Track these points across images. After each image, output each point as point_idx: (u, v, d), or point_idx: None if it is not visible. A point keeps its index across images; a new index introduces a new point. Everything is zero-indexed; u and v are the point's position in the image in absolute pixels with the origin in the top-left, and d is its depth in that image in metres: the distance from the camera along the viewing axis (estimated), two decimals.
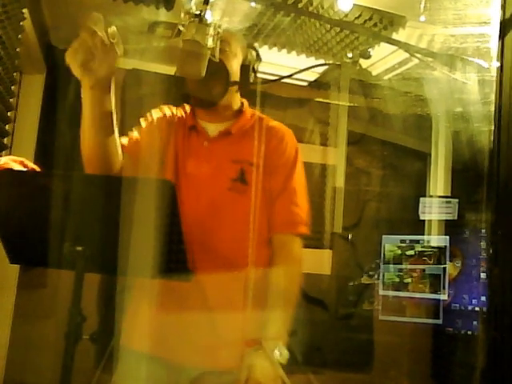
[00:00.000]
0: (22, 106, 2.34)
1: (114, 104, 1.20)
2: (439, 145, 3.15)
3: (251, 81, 1.46)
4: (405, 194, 3.12)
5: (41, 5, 2.15)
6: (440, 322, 2.88)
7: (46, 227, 1.02)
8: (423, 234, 3.00)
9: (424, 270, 2.90)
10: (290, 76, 1.86)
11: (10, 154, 2.06)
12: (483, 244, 2.88)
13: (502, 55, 1.06)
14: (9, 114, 1.97)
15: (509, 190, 1.02)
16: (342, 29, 2.24)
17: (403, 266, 2.95)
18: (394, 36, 2.17)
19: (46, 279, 2.40)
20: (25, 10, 1.84)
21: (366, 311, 3.01)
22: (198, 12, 1.20)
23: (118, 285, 1.51)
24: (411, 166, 3.21)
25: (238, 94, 1.48)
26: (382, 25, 2.13)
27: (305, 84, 2.92)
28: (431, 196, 3.11)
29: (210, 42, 1.21)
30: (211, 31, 1.21)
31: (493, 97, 1.07)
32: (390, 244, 2.98)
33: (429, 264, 2.90)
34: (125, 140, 1.42)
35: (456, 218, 2.96)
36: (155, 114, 1.49)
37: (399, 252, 2.97)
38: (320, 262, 2.91)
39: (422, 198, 3.01)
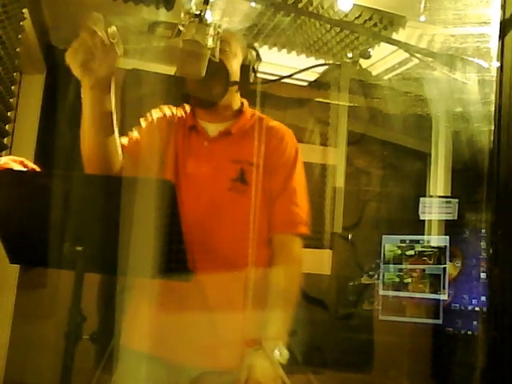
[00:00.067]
0: (22, 106, 2.34)
1: (114, 104, 1.20)
2: (439, 145, 3.15)
3: (251, 81, 1.46)
4: (405, 194, 3.12)
5: (41, 5, 2.15)
6: (440, 322, 2.88)
7: (46, 227, 1.02)
8: (423, 234, 3.00)
9: (424, 270, 2.90)
10: (290, 76, 1.86)
11: (10, 154, 2.06)
12: (483, 244, 2.88)
13: (501, 55, 1.06)
14: (9, 114, 1.97)
15: (509, 190, 1.02)
16: (341, 29, 2.24)
17: (403, 266, 2.95)
18: (394, 36, 2.17)
19: (46, 279, 2.40)
20: (25, 10, 1.84)
21: (366, 311, 3.01)
22: (197, 12, 1.20)
23: (117, 285, 1.51)
24: (411, 166, 3.21)
25: (238, 94, 1.48)
26: (382, 25, 2.13)
27: (305, 84, 2.92)
28: (431, 196, 3.11)
29: (209, 42, 1.21)
30: (211, 31, 1.21)
31: (493, 97, 1.07)
32: (390, 244, 2.98)
33: (429, 264, 2.90)
34: (125, 140, 1.42)
35: (456, 218, 2.96)
36: (155, 114, 1.49)
37: (399, 252, 2.97)
38: (320, 261, 2.91)
39: (422, 198, 3.01)
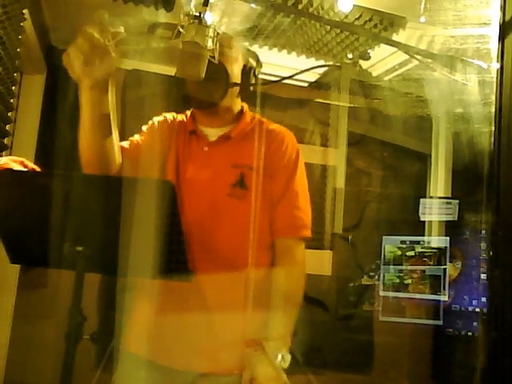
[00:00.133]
0: (22, 107, 2.34)
1: (115, 105, 1.21)
2: (439, 146, 3.15)
3: (252, 87, 1.46)
4: (405, 195, 3.12)
5: (41, 5, 2.15)
6: (440, 322, 2.88)
7: (47, 227, 1.02)
8: (423, 235, 3.00)
9: (424, 271, 2.90)
10: (290, 77, 1.85)
11: (10, 155, 2.07)
12: (483, 245, 2.88)
13: (502, 56, 1.06)
14: (9, 114, 1.97)
15: (509, 191, 1.02)
16: (342, 30, 2.24)
17: (403, 267, 2.94)
18: (394, 37, 2.17)
19: (46, 279, 2.40)
20: (25, 11, 1.84)
21: (366, 312, 3.01)
22: (197, 13, 1.20)
23: (118, 285, 1.51)
24: (411, 167, 3.21)
25: (239, 99, 1.48)
26: (382, 26, 2.13)
27: (305, 85, 2.93)
28: (431, 197, 3.11)
29: (209, 44, 1.21)
30: (211, 33, 1.21)
31: (493, 98, 1.07)
32: (391, 245, 2.98)
33: (429, 265, 2.90)
34: (126, 143, 1.42)
35: (456, 218, 2.95)
36: (156, 119, 1.50)
37: (399, 253, 2.97)
38: (320, 262, 2.91)
39: (422, 199, 3.01)
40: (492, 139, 1.06)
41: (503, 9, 1.08)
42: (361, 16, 2.08)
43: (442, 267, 2.87)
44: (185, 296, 1.32)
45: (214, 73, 1.28)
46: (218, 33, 1.24)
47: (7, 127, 2.01)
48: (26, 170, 1.17)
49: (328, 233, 2.93)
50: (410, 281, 2.92)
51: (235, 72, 1.41)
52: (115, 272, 1.08)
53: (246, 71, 1.44)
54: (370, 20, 2.10)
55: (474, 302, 2.88)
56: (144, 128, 1.49)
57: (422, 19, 1.97)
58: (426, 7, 1.89)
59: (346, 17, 2.08)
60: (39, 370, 2.15)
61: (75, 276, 1.03)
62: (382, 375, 2.86)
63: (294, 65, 2.57)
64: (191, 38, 1.19)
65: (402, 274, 2.94)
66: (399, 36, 2.17)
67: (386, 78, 2.67)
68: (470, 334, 2.85)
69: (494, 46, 1.09)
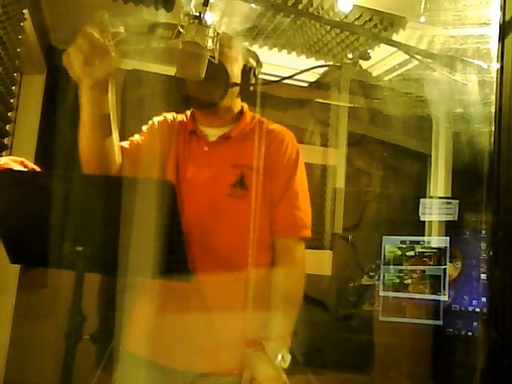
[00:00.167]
0: (22, 107, 2.34)
1: (115, 105, 1.21)
2: (439, 146, 3.15)
3: (252, 87, 1.46)
4: (405, 195, 3.12)
5: (41, 5, 2.15)
6: (440, 322, 2.88)
7: (47, 227, 1.02)
8: (423, 235, 3.00)
9: (424, 271, 2.90)
10: (290, 77, 1.85)
11: (10, 155, 2.07)
12: (483, 245, 2.88)
13: (502, 56, 1.06)
14: (9, 114, 1.97)
15: (509, 191, 1.02)
16: (342, 30, 2.24)
17: (403, 267, 2.94)
18: (394, 37, 2.17)
19: (46, 279, 2.40)
20: (25, 11, 1.84)
21: (366, 312, 3.01)
22: (197, 13, 1.20)
23: (118, 285, 1.51)
24: (411, 167, 3.21)
25: (239, 99, 1.48)
26: (382, 26, 2.13)
27: (305, 85, 2.93)
28: (431, 197, 3.11)
29: (209, 44, 1.21)
30: (211, 33, 1.21)
31: (493, 98, 1.07)
32: (391, 245, 2.98)
33: (429, 265, 2.90)
34: (126, 143, 1.42)
35: (456, 218, 2.95)
36: (156, 119, 1.50)
37: (399, 253, 2.97)
38: (320, 262, 2.91)
39: (422, 199, 3.01)
40: (492, 139, 1.06)
41: (503, 9, 1.08)
42: (361, 16, 2.08)
43: (442, 267, 2.87)
44: (185, 296, 1.32)
45: (213, 73, 1.28)
46: (217, 33, 1.24)
47: (7, 127, 2.01)
48: (26, 170, 1.17)
49: (328, 233, 2.93)
50: (410, 281, 2.92)
51: (235, 72, 1.41)
52: (115, 272, 1.08)
53: (246, 71, 1.44)
54: (370, 20, 2.10)
55: (474, 302, 2.88)
56: (144, 128, 1.49)
57: (422, 19, 1.97)
58: (426, 7, 1.89)
59: (346, 17, 2.08)
60: (39, 369, 2.15)
61: (75, 276, 1.03)
62: (382, 375, 2.86)
63: (294, 65, 2.57)
64: (191, 37, 1.19)
65: (402, 274, 2.94)
66: (399, 36, 2.17)
67: (386, 78, 2.67)
68: (469, 334, 2.85)
69: (493, 45, 1.09)
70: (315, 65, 2.63)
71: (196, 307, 1.33)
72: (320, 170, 3.00)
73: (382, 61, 2.54)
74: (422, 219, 2.99)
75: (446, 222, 2.99)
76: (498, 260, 1.02)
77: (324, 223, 2.92)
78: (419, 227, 3.00)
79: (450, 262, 2.90)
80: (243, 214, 1.36)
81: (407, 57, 2.28)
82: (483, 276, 2.86)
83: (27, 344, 2.26)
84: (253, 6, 2.07)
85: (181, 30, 1.21)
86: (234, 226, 1.37)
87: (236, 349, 1.32)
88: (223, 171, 1.38)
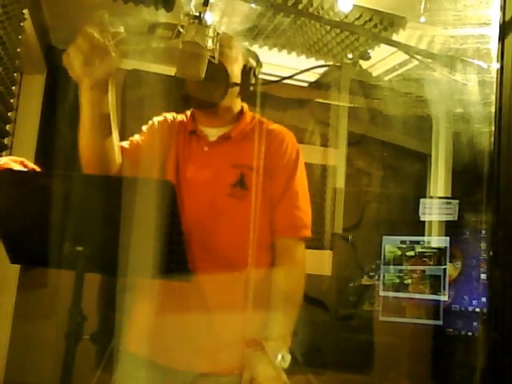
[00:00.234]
0: (22, 107, 2.34)
1: (115, 105, 1.21)
2: (439, 146, 3.15)
3: (252, 87, 1.46)
4: (405, 195, 3.12)
5: (41, 5, 2.15)
6: (440, 322, 2.88)
7: (47, 227, 1.02)
8: (423, 235, 3.00)
9: (424, 271, 2.90)
10: (290, 77, 1.85)
11: (10, 155, 2.07)
12: (483, 245, 2.88)
13: (502, 56, 1.06)
14: (9, 114, 1.97)
15: (509, 191, 1.02)
16: (342, 30, 2.24)
17: (403, 267, 2.94)
18: (394, 37, 2.17)
19: (46, 279, 2.40)
20: (25, 11, 1.84)
21: (366, 312, 3.01)
22: (197, 13, 1.20)
23: (118, 285, 1.51)
24: (411, 167, 3.21)
25: (239, 99, 1.48)
26: (382, 26, 2.13)
27: (305, 85, 2.93)
28: (431, 197, 3.11)
29: (209, 44, 1.21)
30: (211, 33, 1.21)
31: (493, 98, 1.07)
32: (391, 245, 2.98)
33: (429, 265, 2.90)
34: (126, 143, 1.42)
35: (456, 218, 2.95)
36: (156, 119, 1.50)
37: (399, 253, 2.97)
38: (320, 262, 2.91)
39: (422, 199, 3.01)
40: (492, 139, 1.06)
41: (503, 9, 1.08)
42: (361, 16, 2.08)
43: (442, 267, 2.87)
44: (184, 296, 1.32)
45: (214, 73, 1.28)
46: (217, 33, 1.24)
47: (7, 127, 2.01)
48: (26, 170, 1.17)
49: (328, 233, 2.93)
50: (409, 281, 2.92)
51: (235, 72, 1.41)
52: (115, 272, 1.08)
53: (246, 71, 1.44)
54: (370, 20, 2.10)
55: (474, 302, 2.88)
56: (144, 128, 1.49)
57: (422, 19, 1.97)
58: (426, 7, 1.89)
59: (346, 17, 2.08)
60: (39, 369, 2.15)
61: (75, 276, 1.03)
62: (382, 375, 2.86)
63: (294, 65, 2.57)
64: (191, 37, 1.19)
65: (402, 274, 2.94)
66: (399, 36, 2.17)
67: (386, 78, 2.67)
68: (469, 333, 2.85)
69: (493, 45, 1.09)
70: (315, 65, 2.63)
71: (196, 307, 1.33)
72: (320, 170, 3.00)
73: (382, 61, 2.54)
74: (422, 219, 2.99)
75: (446, 222, 2.99)
76: (498, 260, 1.02)
77: (324, 223, 2.92)
78: (419, 227, 3.00)
79: (450, 261, 2.90)
80: (243, 214, 1.36)
81: (407, 57, 2.28)
82: (483, 276, 2.86)
83: (27, 344, 2.26)
84: (253, 5, 2.07)
85: (181, 29, 1.21)
86: (234, 226, 1.36)
87: (236, 349, 1.32)
88: (223, 171, 1.38)
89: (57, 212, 1.02)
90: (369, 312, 3.00)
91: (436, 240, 2.96)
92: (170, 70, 1.42)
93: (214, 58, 1.24)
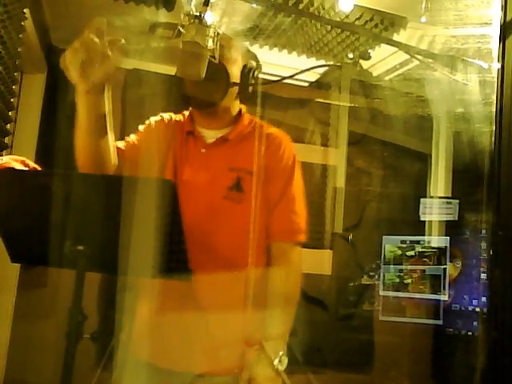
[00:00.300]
0: (22, 106, 2.34)
1: (111, 106, 1.20)
2: (440, 145, 3.15)
3: (252, 88, 1.45)
4: (405, 195, 3.12)
5: (42, 5, 2.15)
6: (440, 322, 2.88)
7: (47, 226, 1.02)
8: (423, 235, 3.00)
9: (424, 271, 2.90)
10: (290, 77, 1.85)
11: (11, 154, 2.07)
12: (484, 245, 2.88)
13: (502, 56, 1.06)
14: (10, 113, 1.97)
15: (509, 191, 1.02)
16: (342, 30, 2.24)
17: (403, 267, 2.95)
18: (395, 37, 2.17)
19: (46, 278, 2.40)
20: (26, 10, 1.84)
21: (366, 312, 3.01)
22: (198, 13, 1.20)
23: (118, 284, 1.51)
24: (412, 167, 3.21)
25: (238, 101, 1.47)
26: (383, 26, 2.13)
27: (305, 84, 2.93)
28: (432, 197, 3.11)
29: (209, 44, 1.21)
30: (211, 32, 1.21)
31: (494, 98, 1.08)
32: (391, 244, 2.98)
33: (429, 265, 2.90)
34: (121, 144, 1.41)
35: (456, 218, 2.95)
36: (153, 119, 1.49)
37: (399, 252, 2.97)
38: (320, 262, 2.91)
39: (422, 199, 3.01)
40: (493, 139, 1.06)
41: (504, 9, 1.08)
42: (361, 16, 2.08)
43: (442, 267, 2.87)
44: (183, 298, 1.31)
45: (214, 73, 1.28)
46: (218, 33, 1.24)
47: (8, 126, 2.01)
48: (26, 169, 1.17)
49: (328, 232, 2.93)
50: (410, 280, 2.92)
51: (235, 73, 1.40)
52: (116, 271, 1.08)
53: (246, 72, 1.44)
54: (371, 20, 2.10)
55: (474, 302, 2.88)
56: (140, 128, 1.48)
57: (423, 19, 1.97)
58: (427, 7, 1.89)
59: (347, 17, 2.08)
60: (39, 369, 2.15)
61: (76, 275, 1.03)
62: (382, 375, 2.86)
63: (295, 65, 2.57)
64: (191, 37, 1.19)
65: (402, 274, 2.94)
66: (400, 36, 2.17)
67: (387, 78, 2.67)
68: (469, 333, 2.85)
69: (494, 45, 1.09)
70: (316, 64, 2.63)
71: (194, 308, 1.32)
72: (320, 169, 3.00)
73: (382, 61, 2.54)
74: (422, 219, 2.99)
75: (446, 221, 2.99)
76: (498, 260, 1.02)
77: (324, 223, 2.92)
78: (419, 227, 3.00)
79: (450, 261, 2.90)
80: (239, 217, 1.36)
81: (408, 57, 2.28)
82: (483, 276, 2.86)
83: (27, 343, 2.26)
84: (253, 5, 2.07)
85: (181, 29, 1.21)
86: (230, 229, 1.36)
87: (235, 349, 1.32)
88: (220, 174, 1.38)
89: (57, 211, 1.02)
90: (369, 312, 3.00)
91: (436, 240, 2.96)
92: (171, 70, 1.41)
93: (214, 57, 1.24)
